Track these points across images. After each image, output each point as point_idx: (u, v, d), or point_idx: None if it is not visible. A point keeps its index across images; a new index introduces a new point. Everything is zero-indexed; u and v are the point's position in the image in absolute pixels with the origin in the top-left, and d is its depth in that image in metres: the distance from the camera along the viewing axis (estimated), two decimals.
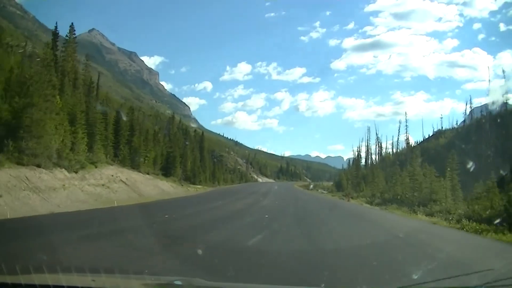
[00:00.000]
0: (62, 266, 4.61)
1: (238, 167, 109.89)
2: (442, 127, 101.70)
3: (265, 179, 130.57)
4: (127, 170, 36.25)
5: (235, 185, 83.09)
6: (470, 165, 33.42)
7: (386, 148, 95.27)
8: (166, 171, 47.68)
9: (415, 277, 6.08)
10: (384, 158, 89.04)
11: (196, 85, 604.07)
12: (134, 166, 38.66)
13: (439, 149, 75.54)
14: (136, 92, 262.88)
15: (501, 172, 20.76)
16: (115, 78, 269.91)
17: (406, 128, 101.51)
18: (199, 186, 54.08)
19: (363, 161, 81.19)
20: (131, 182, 34.09)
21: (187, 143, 71.94)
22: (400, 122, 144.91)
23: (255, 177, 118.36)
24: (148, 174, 40.06)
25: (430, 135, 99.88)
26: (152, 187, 37.61)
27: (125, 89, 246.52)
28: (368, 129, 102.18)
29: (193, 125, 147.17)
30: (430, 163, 59.46)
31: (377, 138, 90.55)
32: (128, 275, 3.67)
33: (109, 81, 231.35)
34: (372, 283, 6.21)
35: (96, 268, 3.85)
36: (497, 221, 13.27)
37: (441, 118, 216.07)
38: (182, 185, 46.10)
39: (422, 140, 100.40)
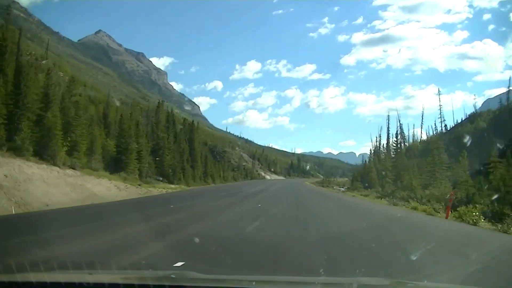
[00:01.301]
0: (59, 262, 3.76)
1: (244, 164, 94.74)
2: (476, 111, 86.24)
3: (274, 176, 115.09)
4: (22, 162, 21.58)
5: (230, 184, 68.10)
6: None
7: (408, 138, 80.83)
8: (119, 166, 32.98)
9: None
10: (411, 147, 73.89)
11: (207, 84, 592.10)
12: (46, 157, 24.01)
13: (478, 133, 60.91)
14: (142, 92, 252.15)
15: None
16: (121, 78, 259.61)
17: (440, 109, 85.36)
18: (173, 186, 39.20)
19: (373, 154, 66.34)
20: (14, 181, 19.34)
21: (169, 136, 57.38)
22: (423, 109, 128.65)
23: (263, 174, 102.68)
24: (73, 168, 25.34)
25: (463, 119, 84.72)
26: (69, 188, 22.84)
27: (132, 89, 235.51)
28: (388, 118, 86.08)
29: (184, 114, 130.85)
30: (472, 148, 44.08)
31: (400, 125, 75.58)
32: (125, 270, 3.69)
33: (114, 81, 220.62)
34: None
35: (92, 263, 3.65)
36: None
37: (475, 99, 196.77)
38: (139, 185, 31.29)
39: (454, 125, 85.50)
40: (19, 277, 2.70)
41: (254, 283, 2.99)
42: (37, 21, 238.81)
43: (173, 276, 2.98)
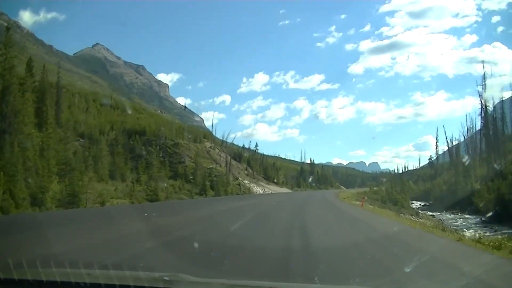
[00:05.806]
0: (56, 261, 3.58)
1: (210, 167, 52.20)
2: None
3: (273, 189, 71.85)
4: None
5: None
6: None
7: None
8: None
9: None
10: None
11: (215, 99, 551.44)
12: None
13: None
14: (138, 103, 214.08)
15: None
16: (113, 89, 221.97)
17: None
18: None
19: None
20: None
21: None
22: (482, 107, 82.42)
23: (247, 184, 58.24)
24: None
25: None
26: None
27: (125, 99, 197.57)
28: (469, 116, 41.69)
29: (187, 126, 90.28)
30: None
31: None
32: (122, 271, 3.45)
33: (104, 91, 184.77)
34: None
35: (90, 263, 3.57)
36: None
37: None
38: None
39: None
40: (15, 274, 2.65)
41: None
42: (26, 33, 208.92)
43: (166, 278, 2.85)
